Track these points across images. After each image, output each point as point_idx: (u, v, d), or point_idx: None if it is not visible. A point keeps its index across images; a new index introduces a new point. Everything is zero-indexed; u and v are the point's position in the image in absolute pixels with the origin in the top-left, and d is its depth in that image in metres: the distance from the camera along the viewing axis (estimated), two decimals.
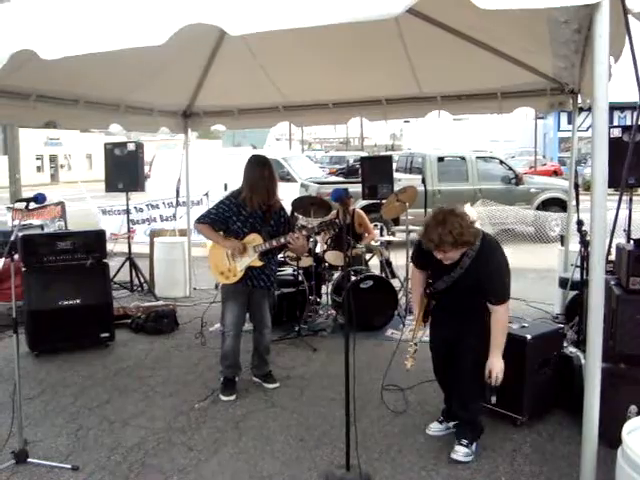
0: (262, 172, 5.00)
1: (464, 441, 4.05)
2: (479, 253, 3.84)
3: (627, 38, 2.85)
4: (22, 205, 4.16)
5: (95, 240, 6.55)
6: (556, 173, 29.87)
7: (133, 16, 3.07)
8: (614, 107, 30.40)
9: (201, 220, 5.09)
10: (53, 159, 51.42)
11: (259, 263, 5.05)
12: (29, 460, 3.96)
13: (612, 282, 4.48)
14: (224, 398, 5.07)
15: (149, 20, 3.00)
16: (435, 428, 4.43)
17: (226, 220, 5.02)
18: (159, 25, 2.92)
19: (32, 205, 4.13)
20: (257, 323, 5.29)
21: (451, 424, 4.36)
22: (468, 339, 4.00)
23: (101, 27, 3.12)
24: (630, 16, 2.66)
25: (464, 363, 4.04)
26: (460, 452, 4.00)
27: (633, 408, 3.81)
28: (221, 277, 5.09)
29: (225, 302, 5.14)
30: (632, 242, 4.56)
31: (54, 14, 3.25)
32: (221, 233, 5.06)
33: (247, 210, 5.01)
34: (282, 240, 4.99)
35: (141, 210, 10.81)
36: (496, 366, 3.81)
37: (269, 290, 5.30)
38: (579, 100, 6.51)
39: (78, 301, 6.27)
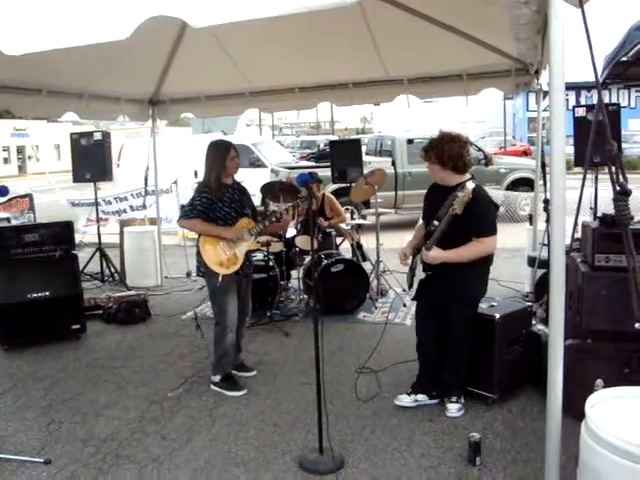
0: (227, 154, 4.86)
1: (454, 397, 4.39)
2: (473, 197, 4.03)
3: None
4: None
5: (63, 231, 6.43)
6: (525, 153, 30.09)
7: (95, 10, 3.10)
8: (581, 87, 30.74)
9: (189, 216, 4.78)
10: (20, 150, 50.59)
11: (257, 246, 5.07)
12: (0, 456, 3.92)
13: (578, 259, 4.55)
14: (238, 394, 4.85)
15: (112, 14, 3.04)
16: (403, 399, 4.55)
17: (211, 209, 4.78)
18: (122, 19, 2.96)
19: None
20: (240, 313, 5.05)
21: (420, 397, 4.50)
22: (455, 307, 4.28)
23: (64, 22, 3.15)
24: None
25: (453, 332, 4.34)
26: (453, 409, 4.35)
27: (599, 382, 3.86)
28: (221, 268, 4.79)
29: (225, 295, 4.86)
30: (597, 220, 4.64)
31: (15, 9, 3.25)
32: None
33: (227, 195, 4.87)
34: (274, 219, 4.99)
35: (109, 203, 10.68)
36: (429, 255, 4.11)
37: (251, 277, 5.27)
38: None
39: (47, 293, 6.19)
